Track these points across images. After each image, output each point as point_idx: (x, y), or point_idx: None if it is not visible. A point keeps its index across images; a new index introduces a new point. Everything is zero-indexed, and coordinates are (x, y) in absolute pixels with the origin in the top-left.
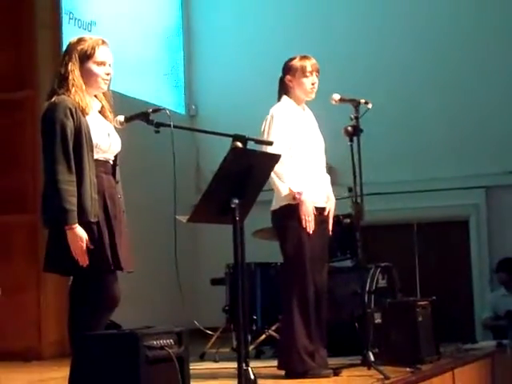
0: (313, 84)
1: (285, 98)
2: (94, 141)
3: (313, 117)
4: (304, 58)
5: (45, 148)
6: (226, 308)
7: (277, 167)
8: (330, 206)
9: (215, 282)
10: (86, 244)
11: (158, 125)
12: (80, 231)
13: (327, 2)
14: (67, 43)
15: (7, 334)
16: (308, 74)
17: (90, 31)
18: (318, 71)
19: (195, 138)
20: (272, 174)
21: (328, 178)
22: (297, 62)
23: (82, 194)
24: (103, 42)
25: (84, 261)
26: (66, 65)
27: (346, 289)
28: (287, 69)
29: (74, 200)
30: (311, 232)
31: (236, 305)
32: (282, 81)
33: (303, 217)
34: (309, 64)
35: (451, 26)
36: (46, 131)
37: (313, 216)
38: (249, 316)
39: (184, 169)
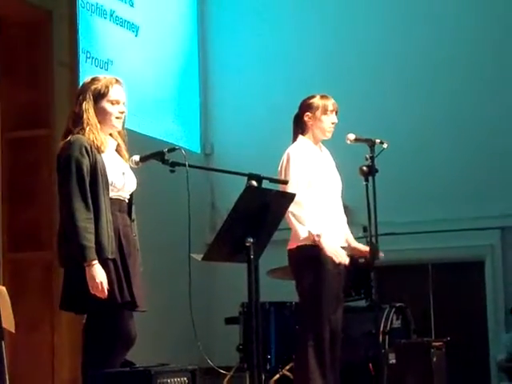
0: (332, 123)
1: (301, 137)
2: (109, 179)
3: (330, 157)
4: (325, 96)
5: (61, 186)
6: (240, 347)
7: (295, 209)
8: (353, 243)
9: (229, 320)
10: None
11: (174, 164)
12: (99, 268)
13: (343, 42)
14: (81, 83)
15: (20, 372)
16: (329, 113)
17: (106, 70)
18: (337, 112)
19: (210, 176)
20: (290, 215)
21: (345, 218)
22: (318, 100)
23: (99, 231)
24: (117, 81)
25: (104, 297)
26: (81, 104)
27: (360, 329)
28: (306, 106)
29: (92, 237)
30: (347, 263)
31: (250, 344)
32: (298, 119)
33: (331, 255)
34: (330, 103)
35: (467, 67)
36: (62, 169)
37: (338, 248)
38: (263, 355)
39: (199, 207)
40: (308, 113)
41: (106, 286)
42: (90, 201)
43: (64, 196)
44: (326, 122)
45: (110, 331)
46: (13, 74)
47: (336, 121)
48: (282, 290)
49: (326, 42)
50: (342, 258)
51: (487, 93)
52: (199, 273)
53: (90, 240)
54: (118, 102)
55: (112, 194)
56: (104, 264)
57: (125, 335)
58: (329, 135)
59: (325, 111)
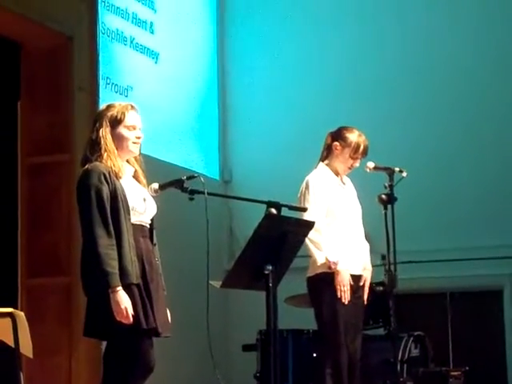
0: (352, 166)
1: (321, 165)
2: (130, 204)
3: (352, 185)
4: (361, 137)
5: (82, 215)
6: (258, 375)
7: (314, 235)
8: (367, 275)
9: (247, 348)
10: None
11: (193, 192)
12: (123, 294)
13: (364, 69)
14: (97, 111)
15: None
16: (356, 156)
17: (126, 96)
18: (366, 155)
19: (229, 203)
20: (308, 241)
21: (367, 246)
22: (353, 137)
23: (122, 256)
24: (132, 107)
25: (129, 322)
26: (98, 130)
27: (379, 357)
28: (341, 137)
29: (116, 263)
30: (346, 302)
31: (267, 371)
32: (329, 142)
33: (338, 287)
34: (362, 146)
35: (488, 93)
36: (82, 198)
37: (348, 286)
38: (280, 383)
39: (217, 234)
40: (338, 143)
41: (130, 311)
42: (111, 228)
43: (86, 224)
44: (348, 163)
45: (130, 358)
46: (33, 100)
47: (357, 166)
48: (299, 318)
49: (348, 67)
50: (343, 296)
51: (508, 119)
52: (217, 299)
53: (113, 266)
54: (134, 128)
55: (134, 220)
56: (128, 289)
57: (145, 363)
58: (344, 173)
59: (353, 153)
